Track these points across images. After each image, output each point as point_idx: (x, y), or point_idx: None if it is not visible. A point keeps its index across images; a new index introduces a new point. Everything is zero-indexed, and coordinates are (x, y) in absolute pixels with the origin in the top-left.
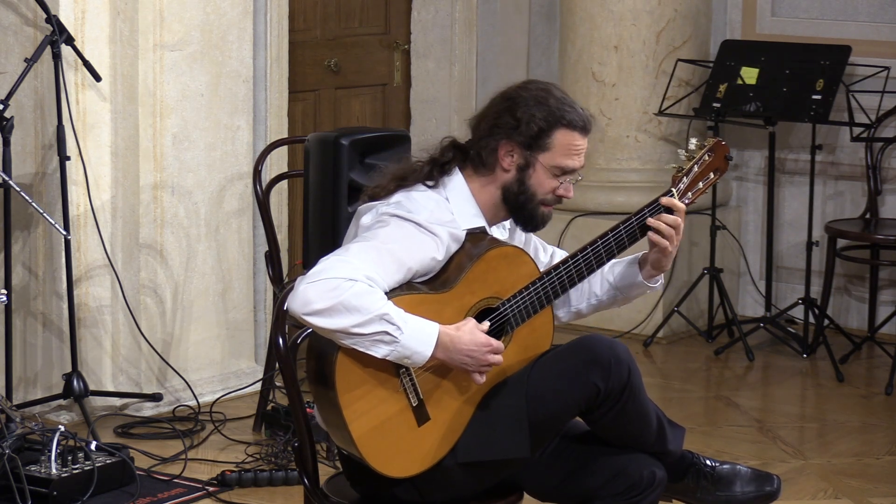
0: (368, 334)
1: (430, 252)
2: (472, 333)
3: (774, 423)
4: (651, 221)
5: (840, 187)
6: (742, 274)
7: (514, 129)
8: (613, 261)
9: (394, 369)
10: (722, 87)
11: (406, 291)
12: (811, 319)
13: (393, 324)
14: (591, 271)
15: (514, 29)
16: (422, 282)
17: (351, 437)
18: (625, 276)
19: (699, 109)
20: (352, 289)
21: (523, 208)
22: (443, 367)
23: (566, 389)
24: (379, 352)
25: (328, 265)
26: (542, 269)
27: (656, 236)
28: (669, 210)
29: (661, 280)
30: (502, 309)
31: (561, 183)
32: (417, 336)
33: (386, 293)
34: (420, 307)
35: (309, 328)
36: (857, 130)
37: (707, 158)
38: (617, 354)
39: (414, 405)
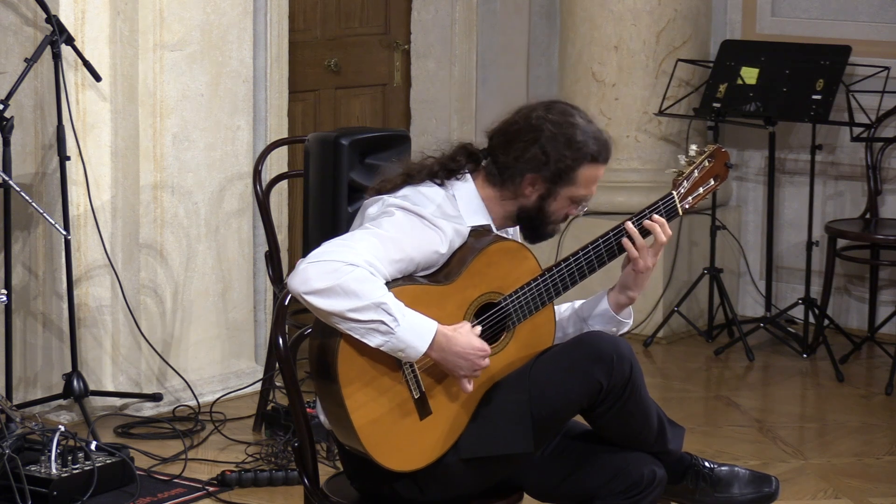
0: (364, 321)
1: (434, 245)
2: (468, 336)
3: (774, 423)
4: (646, 224)
5: (840, 187)
6: (742, 274)
7: (544, 165)
8: (583, 301)
9: (396, 360)
10: (722, 87)
11: (408, 283)
12: (811, 319)
13: (390, 314)
14: (592, 270)
15: (514, 29)
16: (424, 275)
17: (353, 427)
18: (591, 304)
19: (699, 109)
20: (351, 273)
21: (535, 227)
22: None
23: (569, 385)
24: (373, 341)
25: (331, 248)
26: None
27: (628, 243)
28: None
29: (630, 321)
30: (503, 304)
31: (574, 207)
32: (414, 330)
33: (387, 283)
34: (422, 298)
35: (309, 328)
36: (857, 130)
37: (707, 164)
38: (619, 351)
39: (416, 397)
